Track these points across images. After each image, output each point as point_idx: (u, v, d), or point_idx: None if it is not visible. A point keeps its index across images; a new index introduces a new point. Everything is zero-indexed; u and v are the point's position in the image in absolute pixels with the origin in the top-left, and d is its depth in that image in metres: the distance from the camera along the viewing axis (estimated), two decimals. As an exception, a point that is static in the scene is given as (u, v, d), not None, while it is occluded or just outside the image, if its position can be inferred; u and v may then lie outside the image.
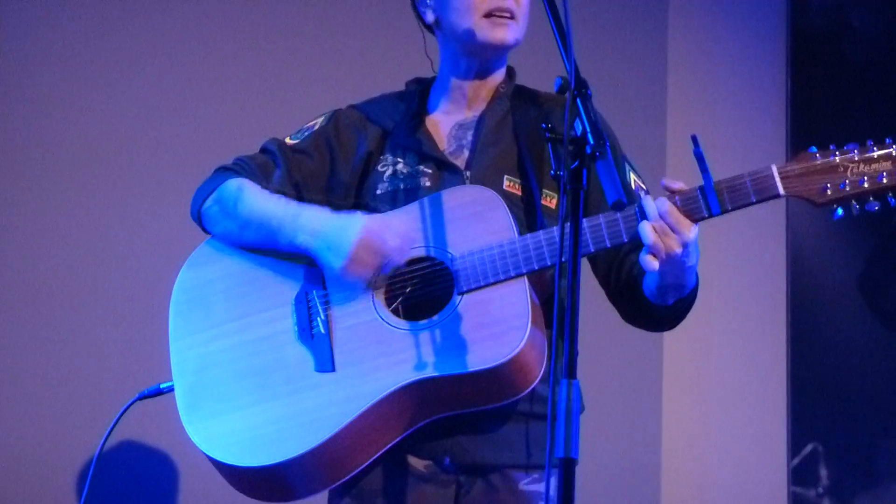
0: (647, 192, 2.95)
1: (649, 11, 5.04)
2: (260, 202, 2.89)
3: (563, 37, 2.52)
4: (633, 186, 2.94)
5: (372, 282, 2.80)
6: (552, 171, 2.49)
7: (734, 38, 5.13)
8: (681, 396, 4.89)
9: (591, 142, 2.36)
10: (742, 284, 4.97)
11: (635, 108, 4.85)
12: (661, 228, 2.62)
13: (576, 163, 2.37)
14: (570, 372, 2.23)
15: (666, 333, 4.64)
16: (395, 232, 2.79)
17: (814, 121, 5.07)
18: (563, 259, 2.41)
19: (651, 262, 2.62)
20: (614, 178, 2.33)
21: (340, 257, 2.77)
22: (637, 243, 2.70)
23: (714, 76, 5.12)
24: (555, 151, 2.53)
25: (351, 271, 2.77)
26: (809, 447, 4.92)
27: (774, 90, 5.11)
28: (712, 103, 5.09)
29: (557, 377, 2.26)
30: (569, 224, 2.35)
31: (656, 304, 2.81)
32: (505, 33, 2.92)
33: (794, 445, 4.91)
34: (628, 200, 2.41)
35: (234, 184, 2.94)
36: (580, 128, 2.40)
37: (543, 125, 2.56)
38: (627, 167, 2.97)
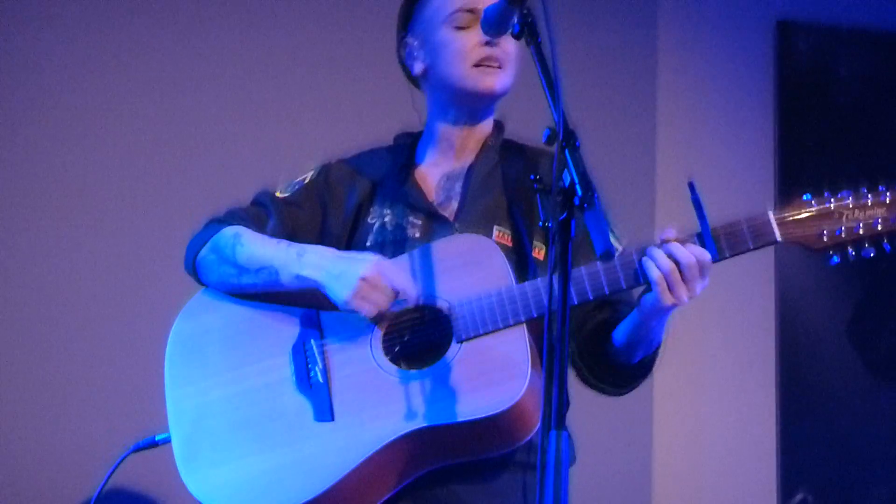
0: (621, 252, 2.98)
1: (638, 55, 5.05)
2: (259, 245, 2.90)
3: (551, 87, 2.52)
4: None
5: (378, 319, 2.79)
6: (541, 222, 2.51)
7: (722, 84, 5.16)
8: (671, 446, 4.88)
9: (580, 192, 2.36)
10: (732, 332, 4.96)
11: (625, 154, 4.85)
12: (683, 273, 2.65)
13: (564, 214, 2.37)
14: (559, 423, 2.22)
15: (657, 382, 4.67)
16: (405, 274, 2.80)
17: (801, 165, 5.09)
18: (554, 308, 2.40)
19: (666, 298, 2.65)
20: (602, 228, 2.33)
21: (347, 288, 2.76)
22: (607, 300, 2.75)
23: (703, 121, 5.14)
24: (543, 202, 2.54)
25: (356, 304, 2.76)
26: (799, 496, 4.91)
27: (763, 135, 5.13)
28: (701, 148, 5.10)
29: (547, 426, 2.26)
30: (559, 274, 2.35)
31: (622, 362, 2.84)
32: (494, 82, 2.96)
33: (784, 494, 4.89)
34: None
35: (231, 230, 2.95)
36: (568, 178, 2.40)
37: (532, 176, 2.57)
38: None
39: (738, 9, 5.18)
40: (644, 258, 2.69)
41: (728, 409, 4.95)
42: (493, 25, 2.75)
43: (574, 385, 2.92)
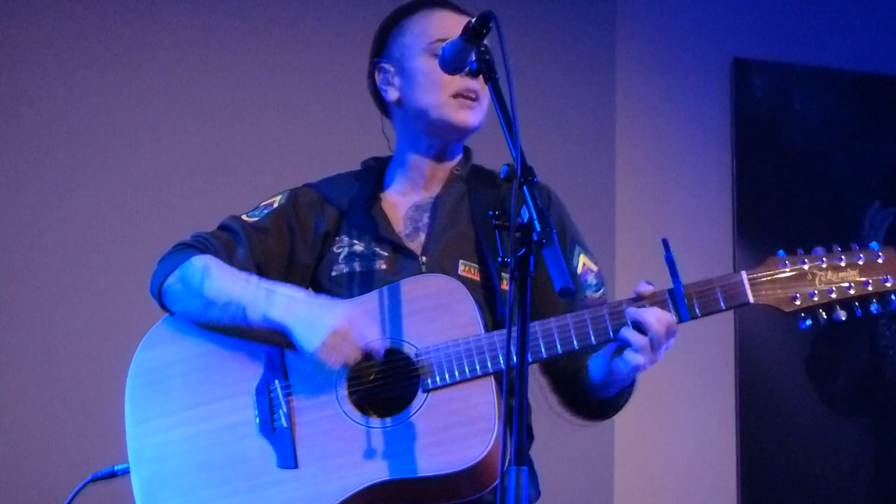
0: (598, 274, 2.97)
1: (596, 91, 5.08)
2: (228, 280, 2.82)
3: (508, 123, 2.53)
4: (581, 272, 2.94)
5: (344, 368, 2.72)
6: (499, 258, 2.51)
7: (680, 120, 5.20)
8: (631, 483, 4.89)
9: (538, 229, 2.35)
10: (691, 368, 4.95)
11: (583, 189, 4.85)
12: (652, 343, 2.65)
13: (522, 250, 2.35)
14: (518, 459, 2.21)
15: (617, 426, 4.69)
16: (375, 327, 2.75)
17: (759, 201, 5.13)
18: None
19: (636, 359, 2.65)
20: (561, 265, 2.32)
21: (316, 338, 2.70)
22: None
23: (661, 157, 5.17)
24: (502, 238, 2.53)
25: (323, 355, 2.70)
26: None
27: (721, 171, 5.17)
28: (659, 185, 5.14)
29: (508, 465, 2.23)
30: (517, 328, 2.32)
31: (598, 396, 2.81)
32: (470, 116, 2.94)
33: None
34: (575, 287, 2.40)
35: (199, 261, 2.86)
36: (527, 215, 2.39)
37: (490, 212, 2.55)
38: (578, 249, 2.97)
39: (694, 46, 5.23)
40: (621, 331, 2.67)
41: (688, 443, 4.97)
42: (450, 63, 2.74)
43: (537, 421, 2.91)
